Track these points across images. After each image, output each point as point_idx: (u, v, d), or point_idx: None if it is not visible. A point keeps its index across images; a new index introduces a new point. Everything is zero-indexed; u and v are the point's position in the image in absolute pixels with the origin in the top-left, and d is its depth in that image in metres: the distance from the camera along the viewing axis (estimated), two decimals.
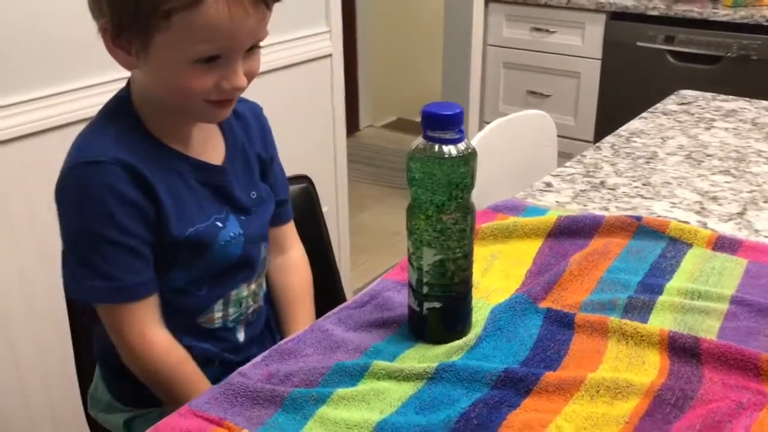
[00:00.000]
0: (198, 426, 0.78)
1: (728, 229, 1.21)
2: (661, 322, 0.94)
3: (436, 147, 0.84)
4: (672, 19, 2.85)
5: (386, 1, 4.39)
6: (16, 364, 1.61)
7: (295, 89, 2.18)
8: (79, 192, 0.91)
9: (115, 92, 0.99)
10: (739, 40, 2.73)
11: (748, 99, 1.89)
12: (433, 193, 0.85)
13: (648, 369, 0.86)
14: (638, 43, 2.93)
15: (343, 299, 1.37)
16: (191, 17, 0.84)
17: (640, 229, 1.15)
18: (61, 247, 1.14)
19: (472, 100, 3.29)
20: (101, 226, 0.91)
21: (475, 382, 0.84)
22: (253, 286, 1.08)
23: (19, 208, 1.53)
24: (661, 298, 0.98)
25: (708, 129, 1.68)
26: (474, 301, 0.96)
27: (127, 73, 0.98)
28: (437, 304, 0.90)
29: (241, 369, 0.88)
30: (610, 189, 1.37)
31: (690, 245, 1.12)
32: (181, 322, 1.01)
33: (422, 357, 0.89)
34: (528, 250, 1.13)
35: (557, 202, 1.33)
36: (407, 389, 0.83)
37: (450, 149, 0.84)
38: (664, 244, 1.13)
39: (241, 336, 1.08)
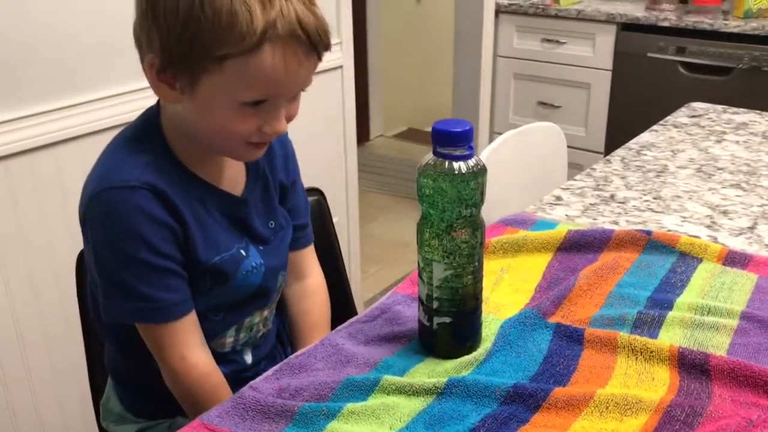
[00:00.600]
0: None
1: (739, 244, 1.20)
2: (670, 337, 0.95)
3: (446, 163, 0.84)
4: (683, 30, 2.85)
5: (397, 12, 4.40)
6: (28, 378, 1.62)
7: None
8: (111, 216, 0.90)
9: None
10: (750, 51, 2.72)
11: (758, 112, 1.89)
12: (443, 211, 0.85)
13: (657, 385, 0.86)
14: (649, 54, 2.92)
15: (353, 309, 1.38)
16: (246, 64, 0.84)
17: (649, 243, 1.15)
18: (74, 258, 1.15)
19: (483, 111, 3.30)
20: (134, 248, 0.90)
21: (484, 398, 0.84)
22: (265, 313, 1.09)
23: (33, 220, 1.54)
24: (671, 314, 0.98)
25: (719, 142, 1.68)
26: (484, 316, 0.96)
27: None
28: (447, 319, 0.91)
29: (252, 383, 0.88)
30: (620, 202, 1.38)
31: (700, 260, 1.12)
32: None
33: (432, 372, 0.90)
34: (537, 265, 1.13)
35: (567, 215, 1.33)
36: (417, 404, 0.84)
37: (460, 165, 0.84)
38: (674, 259, 1.13)
39: (248, 358, 1.09)
